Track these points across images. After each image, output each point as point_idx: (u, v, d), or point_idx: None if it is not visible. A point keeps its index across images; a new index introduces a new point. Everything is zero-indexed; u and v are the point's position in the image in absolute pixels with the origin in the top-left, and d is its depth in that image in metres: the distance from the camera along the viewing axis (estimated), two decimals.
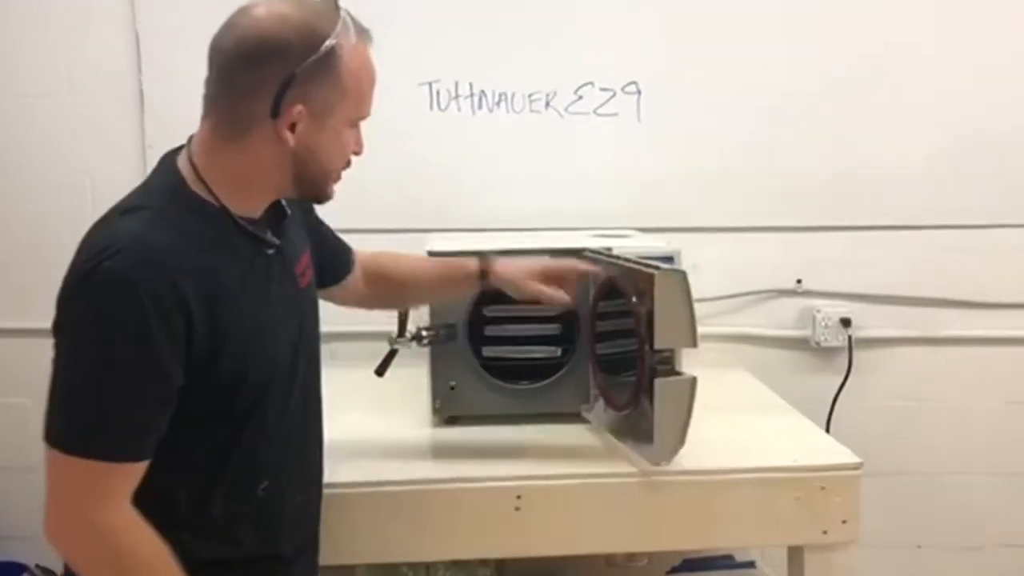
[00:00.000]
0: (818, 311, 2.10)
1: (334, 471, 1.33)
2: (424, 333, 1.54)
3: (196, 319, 0.98)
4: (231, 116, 1.04)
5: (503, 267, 1.44)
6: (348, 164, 1.15)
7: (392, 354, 1.53)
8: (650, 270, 1.33)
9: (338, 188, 1.15)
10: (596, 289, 1.54)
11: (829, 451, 1.50)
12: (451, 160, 2.06)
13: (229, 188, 1.06)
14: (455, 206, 2.05)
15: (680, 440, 1.35)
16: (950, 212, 2.09)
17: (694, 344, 1.33)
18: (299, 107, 1.02)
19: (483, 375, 1.59)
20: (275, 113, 1.02)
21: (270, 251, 1.12)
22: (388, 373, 1.55)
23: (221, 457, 1.07)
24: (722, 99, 2.05)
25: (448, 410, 1.61)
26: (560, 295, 1.42)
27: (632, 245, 1.63)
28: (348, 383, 1.68)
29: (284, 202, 1.16)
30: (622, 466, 1.42)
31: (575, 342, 1.60)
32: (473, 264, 1.44)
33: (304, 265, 1.22)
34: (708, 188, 2.09)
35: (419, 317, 1.57)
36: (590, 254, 1.56)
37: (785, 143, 2.08)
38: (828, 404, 2.06)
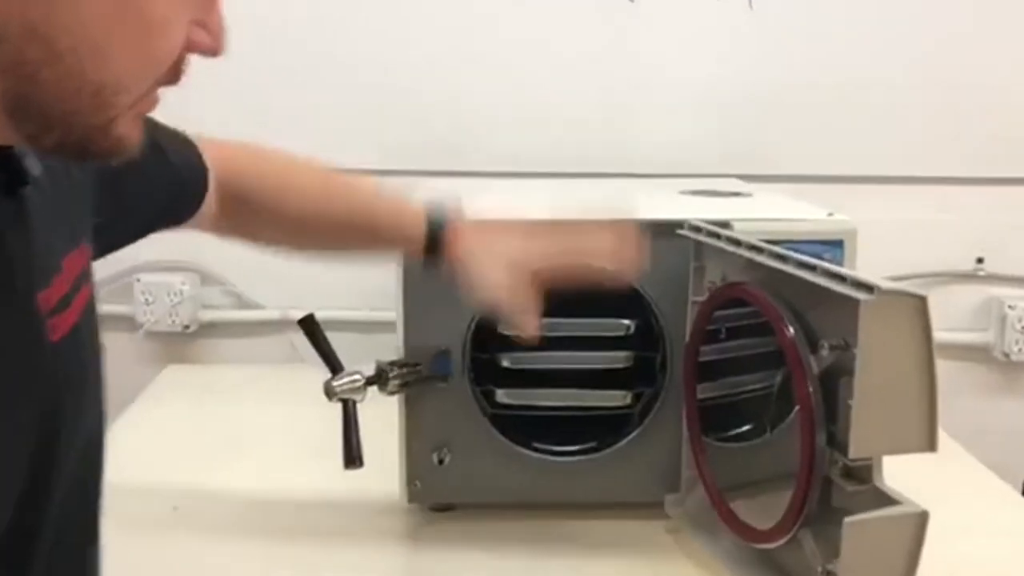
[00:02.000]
0: (1010, 307, 1.39)
1: None
2: (393, 369, 0.86)
3: None
4: None
5: (473, 242, 0.78)
6: (177, 75, 0.48)
7: (350, 419, 0.84)
8: (844, 289, 0.64)
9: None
10: (708, 298, 0.85)
11: None
12: (457, 64, 1.34)
13: None
14: (467, 138, 1.35)
15: None
16: None
17: (932, 447, 0.64)
18: None
19: (495, 436, 0.92)
20: None
21: None
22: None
23: None
24: None
25: (432, 494, 0.94)
26: (529, 323, 0.76)
27: (763, 216, 0.93)
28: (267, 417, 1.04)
29: (19, 151, 0.49)
30: None
31: (658, 382, 0.92)
32: (417, 224, 0.79)
33: (64, 286, 0.54)
34: (850, 115, 1.37)
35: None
36: (690, 233, 0.86)
37: (977, 50, 1.35)
38: None
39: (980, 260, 1.41)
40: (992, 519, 0.97)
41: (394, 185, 0.82)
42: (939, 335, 1.38)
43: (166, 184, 0.71)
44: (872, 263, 1.37)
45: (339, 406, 0.83)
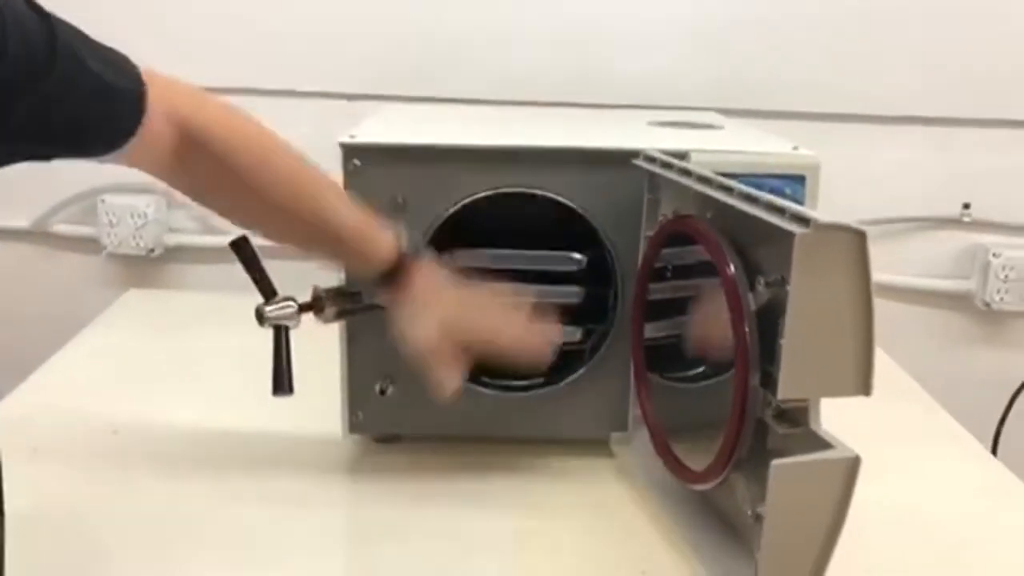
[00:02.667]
0: (994, 255, 1.35)
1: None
2: (328, 298, 0.83)
3: None
4: None
5: (419, 290, 0.78)
6: None
7: (282, 343, 0.81)
8: (780, 222, 0.61)
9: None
10: (656, 232, 0.81)
11: None
12: None
13: None
14: (440, 64, 1.31)
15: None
16: None
17: (866, 391, 0.61)
18: None
19: None
20: None
21: None
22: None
23: None
24: None
25: (375, 425, 0.92)
26: (449, 381, 0.77)
27: (723, 148, 0.89)
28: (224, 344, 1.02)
29: None
30: None
31: (609, 319, 0.89)
32: (387, 252, 0.77)
33: None
34: (838, 51, 1.32)
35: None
36: (645, 164, 0.82)
37: None
38: (1001, 403, 1.34)
39: (967, 205, 1.36)
40: (951, 471, 0.95)
41: (357, 201, 0.78)
42: (919, 281, 1.39)
43: (86, 98, 0.62)
44: (852, 204, 1.35)
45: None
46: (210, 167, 0.72)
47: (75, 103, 0.61)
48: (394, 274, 0.77)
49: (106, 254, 1.37)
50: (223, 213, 0.78)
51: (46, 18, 0.58)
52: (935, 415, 1.09)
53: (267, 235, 0.79)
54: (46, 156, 0.65)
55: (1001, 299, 1.35)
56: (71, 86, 0.61)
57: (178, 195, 1.35)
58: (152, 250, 1.37)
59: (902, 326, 1.38)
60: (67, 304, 1.31)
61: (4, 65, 0.55)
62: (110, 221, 1.36)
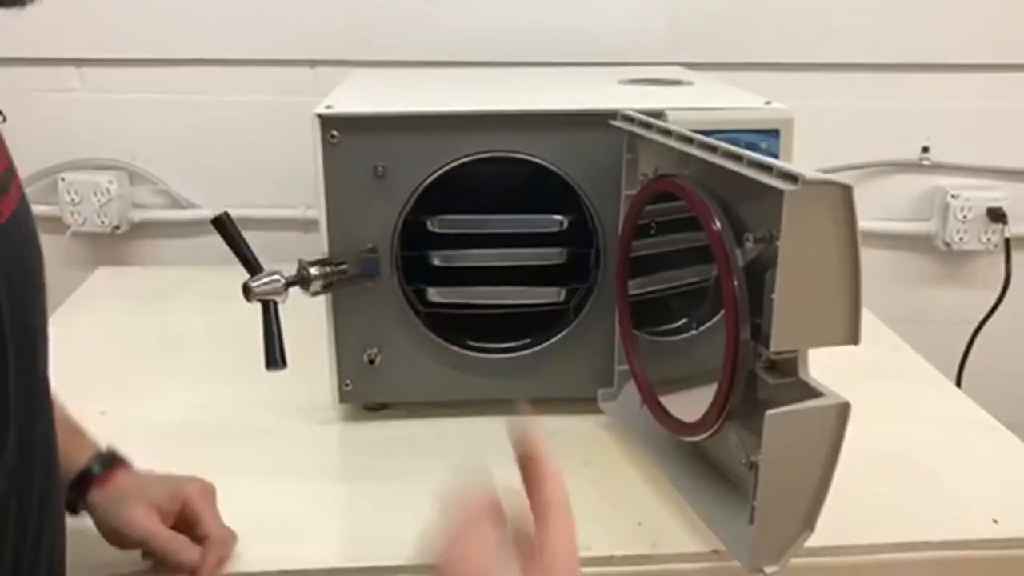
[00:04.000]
0: (953, 196, 1.38)
1: None
2: (313, 271, 0.83)
3: None
4: None
5: (118, 485, 0.72)
6: None
7: (272, 317, 0.80)
8: (768, 179, 0.62)
9: None
10: (639, 191, 0.82)
11: None
12: None
13: None
14: (403, 27, 1.29)
15: (807, 523, 0.67)
16: None
17: (855, 340, 0.64)
18: None
19: (426, 335, 0.90)
20: None
21: None
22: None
23: None
24: None
25: (364, 394, 0.93)
26: (187, 552, 0.69)
27: (699, 106, 0.90)
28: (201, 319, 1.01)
29: None
30: (678, 541, 0.75)
31: (592, 278, 0.91)
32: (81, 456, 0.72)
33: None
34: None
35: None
36: (623, 124, 0.83)
37: None
38: (963, 341, 1.38)
39: (926, 149, 1.39)
40: (920, 406, 0.98)
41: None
42: (881, 224, 1.42)
43: None
44: (818, 152, 1.37)
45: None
46: None
47: None
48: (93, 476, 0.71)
49: (71, 233, 1.34)
50: None
51: None
52: (903, 354, 1.12)
53: None
54: None
55: (960, 239, 1.39)
56: None
57: (140, 169, 1.35)
58: (118, 227, 1.35)
59: (866, 269, 1.40)
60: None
61: None
62: (72, 199, 1.34)
